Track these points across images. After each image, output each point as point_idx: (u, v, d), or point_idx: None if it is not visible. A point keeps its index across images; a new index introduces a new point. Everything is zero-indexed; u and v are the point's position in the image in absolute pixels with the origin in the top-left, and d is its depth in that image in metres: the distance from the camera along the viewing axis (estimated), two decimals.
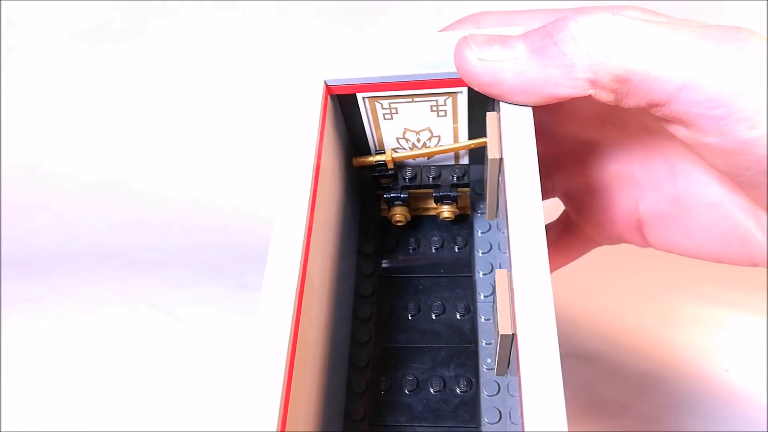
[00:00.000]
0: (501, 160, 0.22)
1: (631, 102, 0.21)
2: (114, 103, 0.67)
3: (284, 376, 0.17)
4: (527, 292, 0.18)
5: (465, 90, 0.23)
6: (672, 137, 0.23)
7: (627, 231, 0.28)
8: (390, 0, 0.62)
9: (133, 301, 0.59)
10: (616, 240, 0.30)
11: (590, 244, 0.31)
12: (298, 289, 0.18)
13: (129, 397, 0.52)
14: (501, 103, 0.22)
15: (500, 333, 0.19)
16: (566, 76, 0.20)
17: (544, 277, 0.18)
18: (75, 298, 0.59)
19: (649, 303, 0.51)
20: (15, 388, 0.53)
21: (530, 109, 0.22)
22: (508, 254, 0.20)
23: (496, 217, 0.27)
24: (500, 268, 0.26)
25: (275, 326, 0.18)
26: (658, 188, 0.26)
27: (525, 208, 0.19)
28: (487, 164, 0.24)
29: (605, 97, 0.21)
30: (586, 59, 0.20)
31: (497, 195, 0.25)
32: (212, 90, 0.66)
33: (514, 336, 0.19)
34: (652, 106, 0.20)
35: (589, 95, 0.21)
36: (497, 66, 0.21)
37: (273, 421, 0.16)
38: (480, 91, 0.22)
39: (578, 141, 0.28)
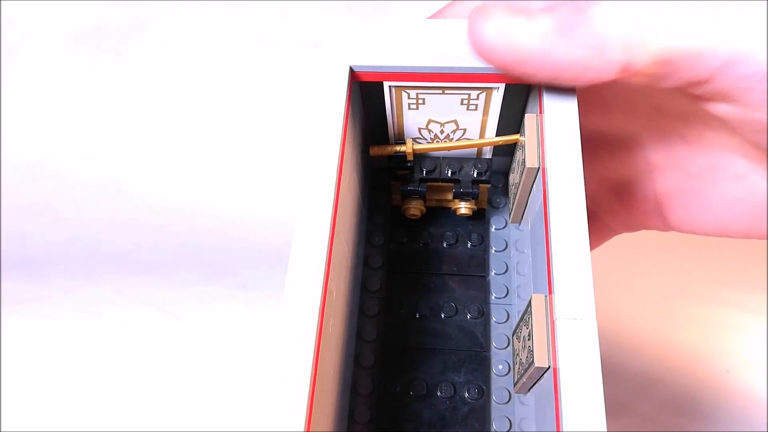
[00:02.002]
0: (539, 169, 0.20)
1: (667, 83, 0.19)
2: (114, 103, 0.66)
3: (309, 384, 0.17)
4: (571, 324, 0.17)
5: (502, 87, 0.22)
6: (686, 116, 0.22)
7: (646, 215, 0.27)
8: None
9: (132, 301, 0.59)
10: (635, 227, 0.29)
11: (607, 233, 0.30)
12: (321, 305, 0.18)
13: (129, 397, 0.52)
14: (544, 106, 0.20)
15: (536, 365, 0.18)
16: (597, 59, 0.18)
17: (589, 306, 0.17)
18: (75, 298, 0.59)
19: (649, 303, 0.51)
20: (15, 388, 0.52)
21: (576, 112, 0.20)
22: (547, 277, 0.18)
23: (520, 221, 0.26)
24: (517, 271, 0.26)
25: (300, 337, 0.17)
26: (677, 167, 0.25)
27: (569, 230, 0.18)
28: (517, 167, 0.23)
29: (638, 80, 0.18)
30: (622, 40, 0.17)
31: (527, 200, 0.24)
32: (211, 90, 0.66)
33: (550, 368, 0.18)
34: (691, 85, 0.19)
35: (616, 79, 0.19)
36: (521, 43, 0.18)
37: (300, 422, 0.16)
38: (495, 68, 0.20)
39: (583, 128, 0.27)
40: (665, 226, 0.27)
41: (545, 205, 0.19)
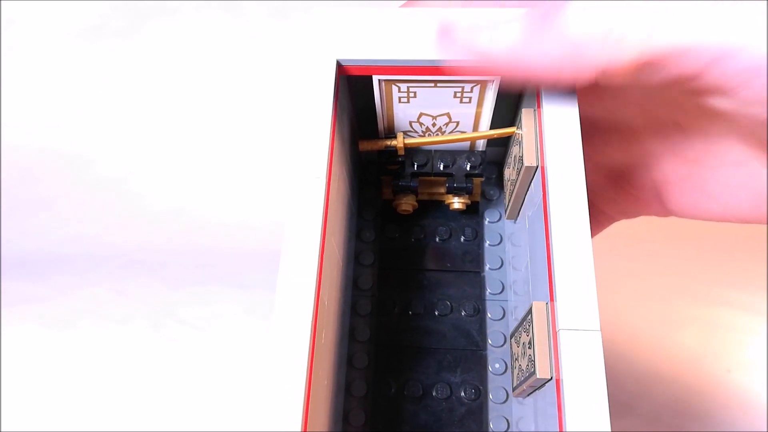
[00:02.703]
0: (538, 167, 0.20)
1: (653, 81, 0.18)
2: (113, 102, 0.66)
3: (304, 389, 0.16)
4: (574, 336, 0.16)
5: (497, 79, 0.21)
6: (679, 104, 0.21)
7: (645, 202, 0.26)
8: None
9: (132, 302, 0.59)
10: (633, 213, 0.28)
11: (605, 221, 0.29)
12: (313, 318, 0.17)
13: (128, 397, 0.52)
14: (543, 101, 0.20)
15: (537, 376, 0.18)
16: (571, 61, 0.17)
17: (593, 316, 0.16)
18: (75, 298, 0.59)
19: (649, 303, 0.51)
20: (15, 389, 0.53)
21: (576, 108, 0.19)
22: (548, 284, 0.18)
23: (516, 217, 0.25)
24: (512, 266, 0.25)
25: (293, 351, 0.17)
26: (673, 153, 0.24)
27: (572, 235, 0.18)
28: (514, 162, 0.22)
29: (618, 81, 0.17)
30: (600, 42, 0.16)
31: (524, 197, 0.23)
32: (211, 88, 0.66)
33: (552, 378, 0.17)
34: (679, 81, 0.18)
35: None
36: (486, 47, 0.18)
37: (297, 422, 0.16)
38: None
39: None
40: (664, 212, 0.26)
41: (545, 206, 0.19)
